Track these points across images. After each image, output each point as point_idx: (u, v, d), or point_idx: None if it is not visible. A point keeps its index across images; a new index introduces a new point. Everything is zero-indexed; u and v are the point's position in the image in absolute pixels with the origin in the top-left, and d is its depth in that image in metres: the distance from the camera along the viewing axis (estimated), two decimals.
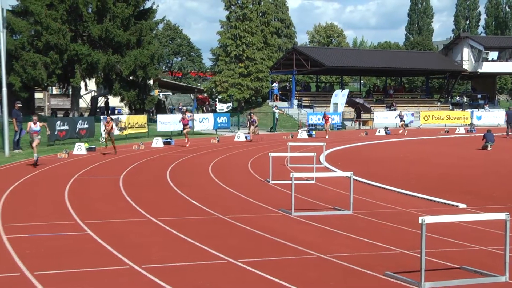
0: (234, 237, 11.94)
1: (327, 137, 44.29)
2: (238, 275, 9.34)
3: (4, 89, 29.45)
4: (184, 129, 37.69)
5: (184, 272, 9.38)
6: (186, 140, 36.35)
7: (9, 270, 9.36)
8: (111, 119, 31.22)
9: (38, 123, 24.40)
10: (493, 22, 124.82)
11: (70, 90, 56.03)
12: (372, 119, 61.90)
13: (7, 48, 33.77)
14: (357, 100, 65.57)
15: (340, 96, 62.15)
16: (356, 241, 11.76)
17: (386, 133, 51.23)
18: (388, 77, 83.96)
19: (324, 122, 49.85)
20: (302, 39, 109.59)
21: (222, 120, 52.76)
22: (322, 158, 27.85)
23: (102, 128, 34.97)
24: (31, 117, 25.16)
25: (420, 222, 8.79)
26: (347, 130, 57.66)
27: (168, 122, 46.43)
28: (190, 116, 39.63)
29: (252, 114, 42.52)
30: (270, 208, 15.41)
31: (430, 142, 42.74)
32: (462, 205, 15.98)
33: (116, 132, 36.10)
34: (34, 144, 24.09)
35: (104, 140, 31.37)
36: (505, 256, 9.27)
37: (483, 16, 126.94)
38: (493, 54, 75.53)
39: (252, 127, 40.97)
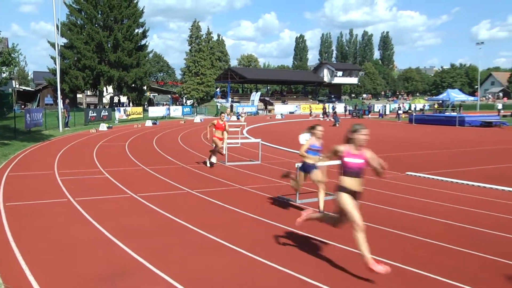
0: (192, 178, 11.91)
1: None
2: (193, 199, 9.37)
3: (59, 92, 29.83)
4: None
5: (161, 198, 9.36)
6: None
7: (61, 197, 9.24)
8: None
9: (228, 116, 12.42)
10: (340, 55, 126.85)
11: (98, 92, 55.05)
12: (274, 109, 62.43)
13: (60, 67, 35.16)
14: (265, 98, 66.26)
15: (255, 96, 62.57)
16: (262, 179, 11.89)
17: (281, 116, 51.74)
18: (283, 85, 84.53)
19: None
20: (233, 63, 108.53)
21: (187, 110, 52.38)
22: (244, 131, 27.96)
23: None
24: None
25: (296, 166, 9.00)
26: (259, 115, 57.85)
27: (155, 111, 46.12)
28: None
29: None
30: None
31: (304, 122, 43.28)
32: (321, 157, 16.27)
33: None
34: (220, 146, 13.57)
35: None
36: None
37: (334, 52, 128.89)
38: (340, 73, 77.98)
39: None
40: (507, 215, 8.16)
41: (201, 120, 42.62)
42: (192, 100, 73.38)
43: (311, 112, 56.09)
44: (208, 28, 79.93)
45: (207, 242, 6.50)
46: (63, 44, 50.66)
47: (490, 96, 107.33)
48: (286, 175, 9.15)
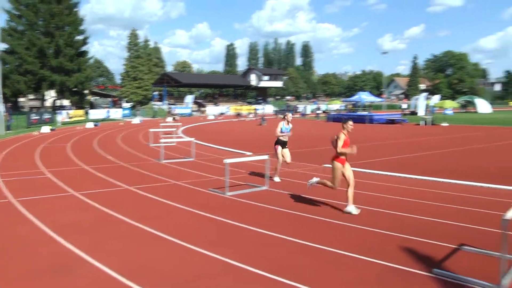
0: (130, 175, 11.67)
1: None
2: (131, 194, 9.20)
3: (1, 96, 27.83)
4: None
5: (101, 195, 9.10)
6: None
7: (1, 198, 8.72)
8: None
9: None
10: (266, 61, 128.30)
11: (40, 96, 52.35)
12: (206, 110, 62.10)
13: (2, 72, 33.02)
14: (198, 100, 65.88)
15: (190, 98, 62.00)
16: (194, 174, 11.82)
17: (214, 116, 51.56)
18: (215, 88, 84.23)
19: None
20: (169, 68, 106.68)
21: (126, 112, 50.87)
22: (179, 131, 27.67)
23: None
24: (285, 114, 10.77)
25: (224, 162, 9.07)
26: (193, 116, 57.33)
27: (96, 114, 44.47)
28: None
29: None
30: (150, 159, 15.12)
31: (233, 123, 43.46)
32: (248, 153, 16.34)
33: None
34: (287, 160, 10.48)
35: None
36: (265, 176, 9.78)
37: (261, 58, 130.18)
38: (266, 77, 78.83)
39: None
40: (410, 198, 8.68)
41: (140, 121, 41.58)
42: (131, 103, 71.44)
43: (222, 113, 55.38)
44: (146, 36, 78.36)
45: (145, 234, 6.43)
46: (4, 50, 47.79)
47: (393, 97, 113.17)
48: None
